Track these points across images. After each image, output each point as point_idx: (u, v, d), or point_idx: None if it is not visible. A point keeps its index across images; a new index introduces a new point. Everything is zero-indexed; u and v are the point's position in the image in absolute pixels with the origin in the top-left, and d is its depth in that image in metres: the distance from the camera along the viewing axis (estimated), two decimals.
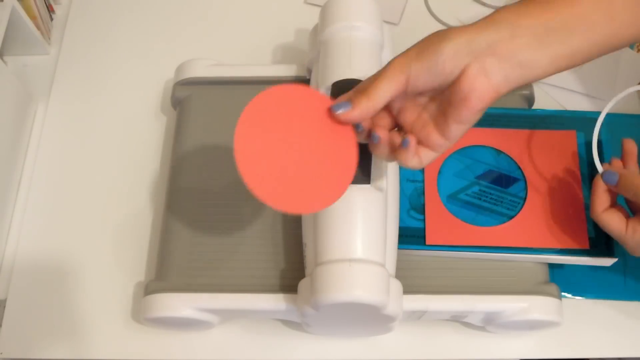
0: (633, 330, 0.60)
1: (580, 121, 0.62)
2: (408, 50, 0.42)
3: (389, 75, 0.42)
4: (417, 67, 0.41)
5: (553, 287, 0.55)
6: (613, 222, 0.52)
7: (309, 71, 0.62)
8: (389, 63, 0.42)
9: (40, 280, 0.63)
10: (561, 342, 0.60)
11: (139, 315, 0.58)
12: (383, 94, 0.42)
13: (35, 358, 0.60)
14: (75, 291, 0.63)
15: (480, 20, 0.41)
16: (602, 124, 0.56)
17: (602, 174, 0.52)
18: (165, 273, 0.57)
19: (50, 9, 0.77)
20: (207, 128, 0.63)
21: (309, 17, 0.75)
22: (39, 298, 0.62)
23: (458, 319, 0.59)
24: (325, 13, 0.59)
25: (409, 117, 0.44)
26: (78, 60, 0.75)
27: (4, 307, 0.62)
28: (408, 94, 0.43)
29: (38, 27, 0.73)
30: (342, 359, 0.60)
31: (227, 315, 0.58)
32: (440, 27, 0.76)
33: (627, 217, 0.53)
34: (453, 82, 0.41)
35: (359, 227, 0.49)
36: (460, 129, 0.43)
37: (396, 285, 0.51)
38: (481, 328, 0.59)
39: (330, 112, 0.43)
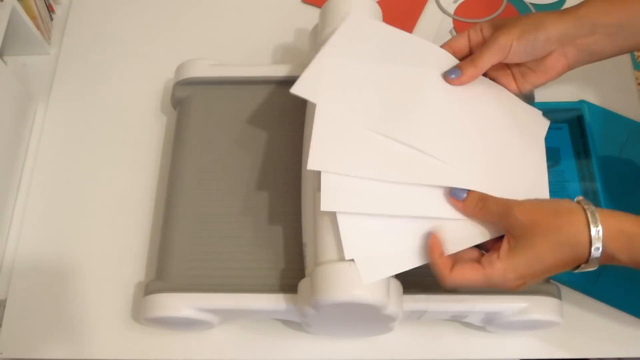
0: (633, 330, 0.60)
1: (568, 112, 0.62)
2: (510, 29, 0.53)
3: (494, 50, 0.53)
4: (517, 45, 0.53)
5: (553, 287, 0.55)
6: (467, 274, 0.47)
7: None
8: (494, 38, 0.53)
9: (40, 280, 0.63)
10: (561, 342, 0.60)
11: (139, 315, 0.58)
12: (486, 64, 0.54)
13: (35, 358, 0.60)
14: (76, 291, 0.63)
15: (568, 13, 0.53)
16: (593, 118, 0.60)
17: (451, 190, 0.49)
18: (165, 273, 0.57)
19: (50, 9, 0.77)
20: (207, 128, 0.63)
21: (309, 17, 0.75)
22: (39, 298, 0.62)
23: (458, 319, 0.59)
24: (325, 13, 0.59)
25: (496, 75, 0.57)
26: (78, 60, 0.75)
27: (4, 307, 0.62)
28: (502, 62, 0.55)
29: (38, 27, 0.73)
30: (342, 359, 0.60)
31: (227, 315, 0.58)
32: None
33: (478, 259, 0.48)
34: (540, 58, 0.54)
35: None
36: (532, 88, 0.57)
37: (396, 285, 0.51)
38: (481, 328, 0.59)
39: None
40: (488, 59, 0.54)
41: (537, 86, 0.57)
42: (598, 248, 0.44)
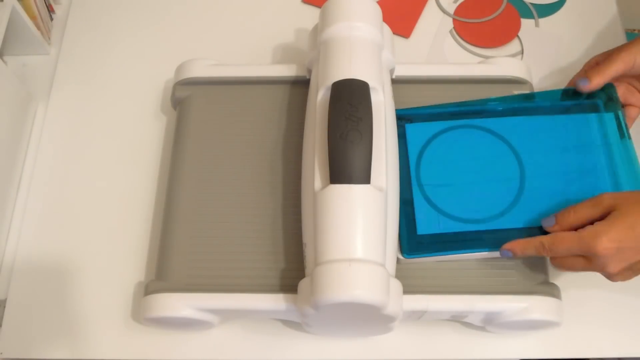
0: (633, 330, 0.60)
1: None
2: (637, 39, 0.57)
3: (620, 58, 0.57)
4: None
5: (553, 287, 0.56)
6: (562, 234, 0.52)
7: (309, 71, 0.62)
8: (621, 48, 0.57)
9: (40, 280, 0.63)
10: (561, 342, 0.60)
11: (139, 315, 0.58)
12: (613, 72, 0.57)
13: (35, 358, 0.60)
14: (76, 291, 0.63)
15: None
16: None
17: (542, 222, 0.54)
18: (165, 273, 0.57)
19: (50, 9, 0.77)
20: (207, 128, 0.63)
21: (309, 17, 0.76)
22: (39, 298, 0.63)
23: (458, 319, 0.59)
24: (325, 13, 0.59)
25: (623, 93, 0.61)
26: (78, 60, 0.75)
27: (4, 307, 0.62)
28: (626, 74, 0.59)
29: (38, 27, 0.73)
30: (342, 359, 0.60)
31: (227, 315, 0.58)
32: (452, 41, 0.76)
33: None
34: None
35: (359, 227, 0.49)
36: None
37: (396, 285, 0.51)
38: (481, 328, 0.59)
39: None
40: (614, 68, 0.57)
41: None
42: None
